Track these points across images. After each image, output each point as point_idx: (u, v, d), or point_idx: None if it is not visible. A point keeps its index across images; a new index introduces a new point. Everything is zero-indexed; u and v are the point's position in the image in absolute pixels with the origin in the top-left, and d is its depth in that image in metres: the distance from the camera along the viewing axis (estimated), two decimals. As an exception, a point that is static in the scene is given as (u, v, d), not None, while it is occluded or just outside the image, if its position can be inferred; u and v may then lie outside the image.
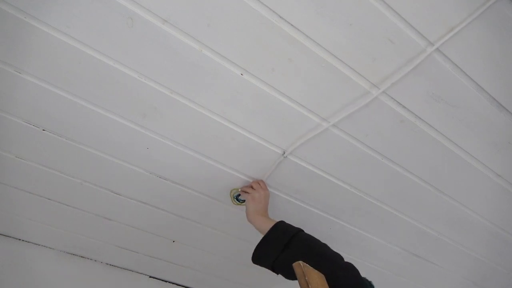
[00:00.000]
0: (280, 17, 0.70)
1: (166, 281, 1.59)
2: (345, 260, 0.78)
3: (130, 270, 1.52)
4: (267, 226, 0.90)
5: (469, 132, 0.90)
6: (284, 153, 0.98)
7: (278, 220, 0.94)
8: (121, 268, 1.51)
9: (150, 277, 1.57)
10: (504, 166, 1.00)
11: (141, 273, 1.55)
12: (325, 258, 0.76)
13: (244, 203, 1.09)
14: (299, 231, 0.88)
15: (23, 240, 1.35)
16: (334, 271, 0.71)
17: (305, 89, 0.83)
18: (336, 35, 0.73)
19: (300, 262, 0.64)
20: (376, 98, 0.83)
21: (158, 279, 1.58)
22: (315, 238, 0.85)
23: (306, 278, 0.59)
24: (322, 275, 0.65)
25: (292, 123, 0.91)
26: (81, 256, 1.44)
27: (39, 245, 1.37)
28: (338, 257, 0.78)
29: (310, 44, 0.74)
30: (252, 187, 1.03)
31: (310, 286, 0.58)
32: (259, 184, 1.03)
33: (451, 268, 1.43)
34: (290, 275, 0.79)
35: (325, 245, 0.82)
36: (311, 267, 0.64)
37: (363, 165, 1.01)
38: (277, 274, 0.85)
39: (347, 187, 1.08)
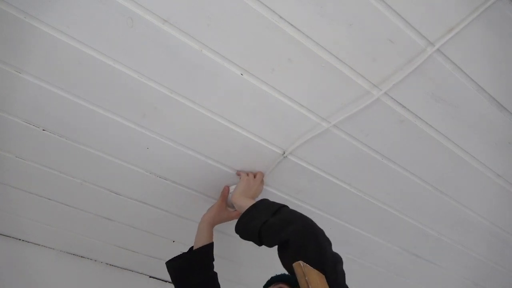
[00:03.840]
0: (280, 17, 0.70)
1: (166, 281, 1.59)
2: (345, 260, 0.78)
3: (130, 270, 1.52)
4: (251, 203, 0.87)
5: (469, 132, 0.90)
6: (284, 153, 0.98)
7: None
8: (121, 268, 1.50)
9: (150, 277, 1.57)
10: (504, 166, 1.00)
11: (141, 273, 1.55)
12: (314, 228, 0.79)
13: None
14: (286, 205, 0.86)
15: (23, 240, 1.35)
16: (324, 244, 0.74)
17: (305, 89, 0.83)
18: (336, 35, 0.73)
19: (300, 262, 0.63)
20: (377, 99, 0.83)
21: (158, 279, 1.58)
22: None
23: (306, 278, 0.59)
24: (322, 275, 0.65)
25: (292, 123, 0.91)
26: (81, 256, 1.44)
27: (39, 245, 1.37)
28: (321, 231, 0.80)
29: (310, 44, 0.74)
30: (255, 175, 1.03)
31: (310, 286, 0.58)
32: (261, 177, 1.03)
33: (451, 268, 1.43)
34: (275, 241, 0.77)
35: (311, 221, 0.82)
36: (311, 267, 0.64)
37: (363, 165, 1.01)
38: (261, 243, 0.80)
39: (347, 187, 1.08)
